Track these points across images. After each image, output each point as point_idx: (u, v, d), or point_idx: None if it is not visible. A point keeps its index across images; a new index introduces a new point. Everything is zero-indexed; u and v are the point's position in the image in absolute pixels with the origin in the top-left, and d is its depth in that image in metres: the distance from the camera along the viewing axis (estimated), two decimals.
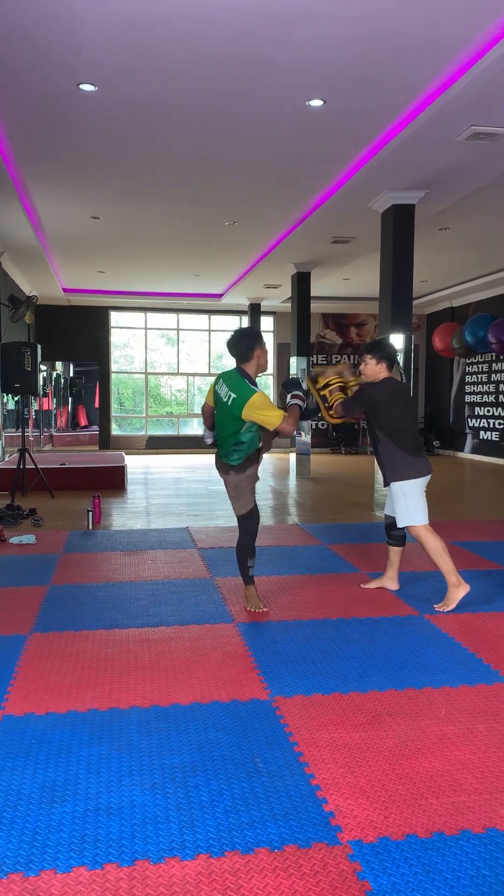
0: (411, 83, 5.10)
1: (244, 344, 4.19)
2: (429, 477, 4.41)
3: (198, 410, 17.31)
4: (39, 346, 9.46)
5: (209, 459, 14.44)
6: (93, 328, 16.14)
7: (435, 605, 4.33)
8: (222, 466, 4.32)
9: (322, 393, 4.59)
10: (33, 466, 9.06)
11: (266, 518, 7.61)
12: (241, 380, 4.13)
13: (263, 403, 4.01)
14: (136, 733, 2.72)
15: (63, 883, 1.89)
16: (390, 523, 4.65)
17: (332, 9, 4.15)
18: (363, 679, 3.24)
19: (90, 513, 6.96)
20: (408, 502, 4.35)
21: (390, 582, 4.74)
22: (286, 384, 4.37)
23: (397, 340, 7.68)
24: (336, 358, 16.90)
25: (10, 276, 11.71)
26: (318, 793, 2.32)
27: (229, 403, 4.10)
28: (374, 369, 4.49)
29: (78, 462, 10.70)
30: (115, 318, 16.49)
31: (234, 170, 7.03)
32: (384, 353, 4.49)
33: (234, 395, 4.08)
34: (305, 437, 11.82)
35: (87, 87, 5.16)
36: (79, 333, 16.02)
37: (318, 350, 16.67)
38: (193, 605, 4.38)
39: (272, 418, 3.99)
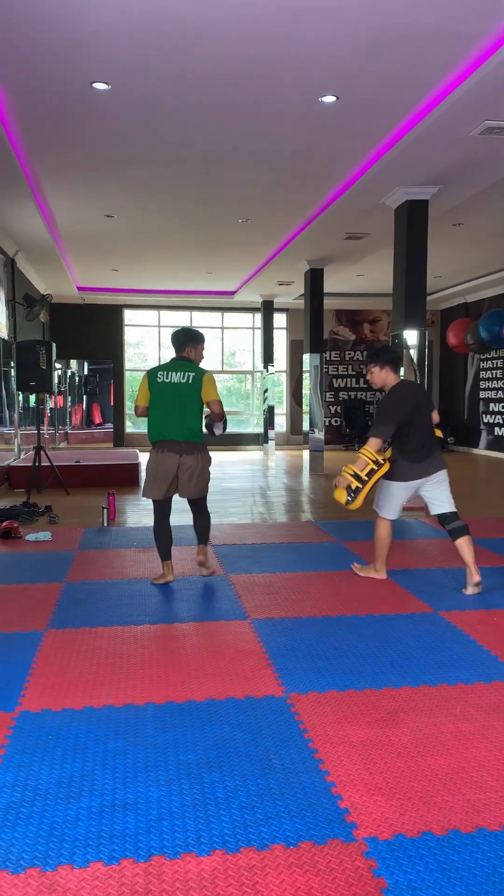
0: (424, 78, 5.08)
1: (179, 339, 4.84)
2: (419, 481, 4.56)
3: None
4: (54, 345, 9.51)
5: (223, 457, 14.49)
6: (107, 326, 16.19)
7: (353, 565, 5.03)
8: (188, 447, 4.66)
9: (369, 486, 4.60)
10: (49, 464, 9.11)
11: (280, 515, 7.61)
12: (189, 363, 4.74)
13: (213, 380, 4.71)
14: (152, 729, 2.73)
15: (80, 878, 1.91)
16: (443, 520, 4.60)
17: (344, 3, 4.13)
18: (378, 676, 3.24)
19: (105, 510, 6.99)
20: (386, 496, 4.68)
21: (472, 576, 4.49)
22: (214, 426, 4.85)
23: (411, 336, 7.66)
24: (349, 354, 16.86)
25: (25, 274, 11.77)
26: (333, 789, 2.32)
27: (189, 382, 4.65)
28: (380, 376, 4.64)
29: (93, 459, 10.75)
30: (129, 316, 16.54)
31: (247, 167, 7.03)
32: (385, 356, 4.63)
33: (191, 374, 4.66)
34: (319, 434, 11.81)
35: (100, 86, 5.18)
36: (93, 332, 16.08)
37: (331, 347, 16.64)
38: (208, 602, 4.39)
39: (216, 395, 4.68)
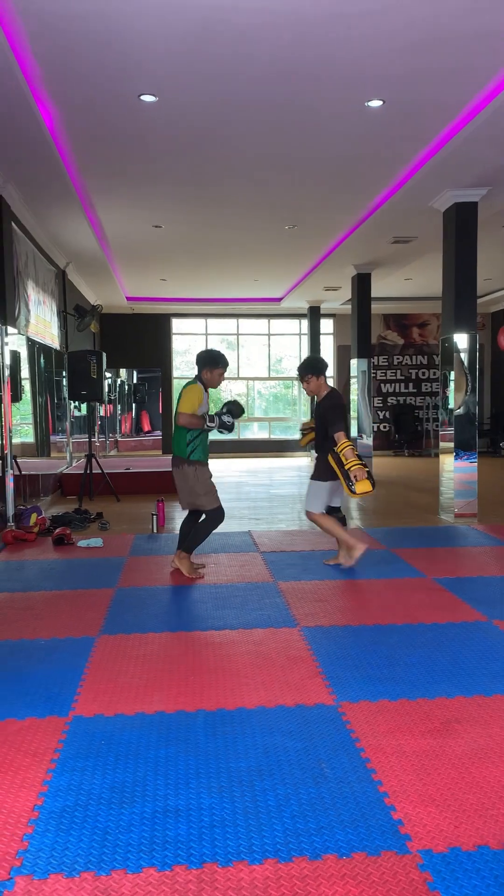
0: (472, 79, 5.01)
1: (198, 361, 5.25)
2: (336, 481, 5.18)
3: (258, 414, 17.37)
4: (104, 354, 9.65)
5: (270, 463, 14.51)
6: (155, 335, 16.38)
7: (330, 561, 5.47)
8: (176, 461, 5.15)
9: (347, 468, 5.01)
10: (100, 471, 9.24)
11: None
12: (194, 383, 5.15)
13: (189, 390, 5.10)
14: (203, 736, 2.74)
15: (133, 883, 1.92)
16: (332, 511, 5.43)
17: (390, 8, 4.11)
18: (430, 685, 3.19)
19: (154, 516, 7.06)
20: (315, 494, 5.26)
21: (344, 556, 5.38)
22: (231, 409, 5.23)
23: (461, 340, 7.55)
24: (398, 359, 16.70)
25: (76, 286, 11.99)
26: (386, 800, 2.29)
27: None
28: (317, 384, 5.34)
29: (142, 467, 10.86)
30: (177, 324, 16.69)
31: (293, 174, 7.04)
32: (322, 367, 5.40)
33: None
34: (367, 440, 11.72)
35: (147, 98, 5.25)
36: (142, 341, 16.28)
37: (379, 351, 16.52)
38: (257, 609, 4.39)
39: (182, 406, 5.02)
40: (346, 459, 4.94)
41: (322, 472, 5.21)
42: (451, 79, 5.01)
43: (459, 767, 2.49)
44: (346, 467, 4.93)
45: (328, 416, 5.11)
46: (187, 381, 5.15)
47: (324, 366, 5.44)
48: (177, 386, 16.69)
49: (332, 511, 5.43)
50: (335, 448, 5.01)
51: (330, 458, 5.08)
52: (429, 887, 1.88)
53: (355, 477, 4.91)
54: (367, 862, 1.99)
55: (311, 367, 5.38)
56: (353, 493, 4.92)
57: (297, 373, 5.44)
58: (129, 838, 2.11)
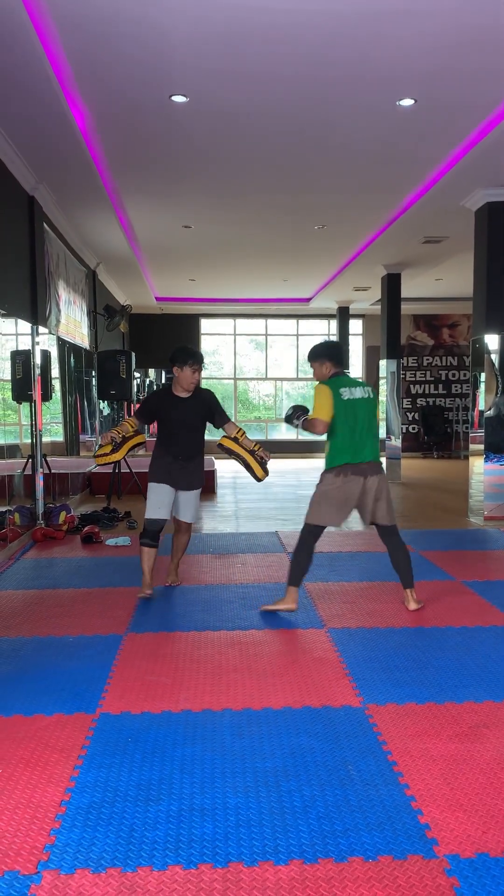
0: None
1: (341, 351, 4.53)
2: None
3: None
4: (133, 354, 9.71)
5: (297, 464, 14.47)
6: (184, 335, 16.43)
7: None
8: (374, 468, 4.23)
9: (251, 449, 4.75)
10: (128, 470, 9.30)
11: (356, 523, 7.53)
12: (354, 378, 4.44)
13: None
14: (229, 736, 2.74)
15: (159, 880, 1.93)
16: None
17: (422, 6, 4.08)
18: (459, 689, 3.16)
19: None
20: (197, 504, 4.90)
21: None
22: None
23: (492, 341, 7.47)
24: (427, 360, 16.57)
25: (106, 286, 12.08)
26: (412, 804, 2.27)
27: (370, 397, 4.30)
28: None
29: None
30: (206, 325, 16.74)
31: (324, 173, 7.02)
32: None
33: (369, 388, 4.35)
34: (396, 442, 11.64)
35: (178, 99, 5.27)
36: (170, 341, 16.30)
37: (408, 352, 16.40)
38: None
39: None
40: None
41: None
42: (483, 77, 4.95)
43: (488, 773, 2.46)
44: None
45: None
46: (361, 381, 4.42)
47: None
48: (205, 386, 16.72)
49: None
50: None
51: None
52: (456, 893, 1.86)
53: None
54: (393, 865, 1.97)
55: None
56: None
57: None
58: (156, 836, 2.12)
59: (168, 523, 4.73)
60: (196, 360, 4.67)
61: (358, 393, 4.23)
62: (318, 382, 4.29)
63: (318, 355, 4.35)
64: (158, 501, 4.62)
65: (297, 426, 4.39)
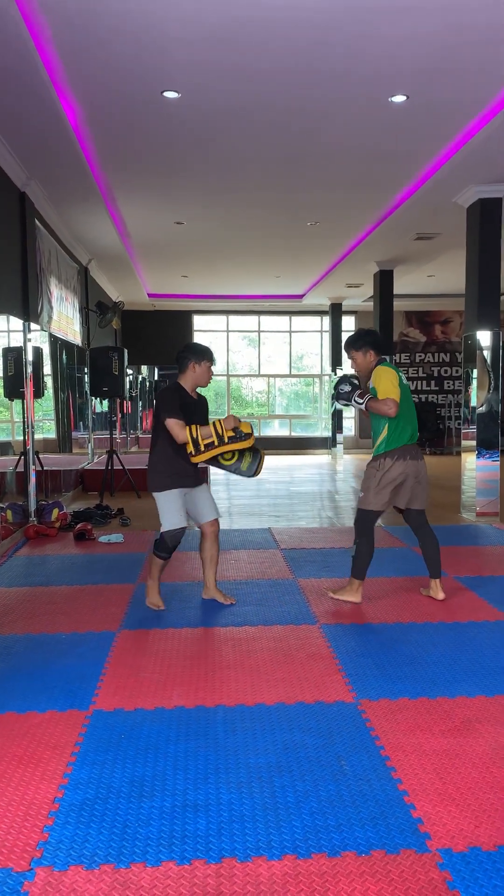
0: (497, 74, 4.96)
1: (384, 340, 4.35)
2: None
3: (279, 411, 17.33)
4: (126, 351, 9.69)
5: (290, 461, 14.48)
6: (176, 332, 16.41)
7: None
8: (419, 452, 4.42)
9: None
10: (121, 467, 9.29)
11: (349, 519, 7.55)
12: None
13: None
14: (222, 732, 2.74)
15: (152, 876, 1.93)
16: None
17: (414, 3, 4.08)
18: (451, 684, 3.17)
19: None
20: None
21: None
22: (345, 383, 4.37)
23: (484, 337, 7.48)
24: (420, 356, 16.60)
25: (98, 282, 12.04)
26: (405, 798, 2.28)
27: (407, 383, 4.32)
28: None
29: None
30: (198, 321, 16.73)
31: (316, 170, 7.01)
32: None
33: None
34: None
35: (170, 95, 5.25)
36: (163, 337, 16.32)
37: (400, 349, 16.43)
38: (277, 606, 4.38)
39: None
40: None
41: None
42: (475, 74, 4.96)
43: (480, 767, 2.47)
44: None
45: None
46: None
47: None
48: None
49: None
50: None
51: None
52: (448, 886, 1.87)
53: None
54: (386, 860, 1.98)
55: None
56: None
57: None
58: (149, 832, 2.12)
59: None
60: (213, 357, 4.35)
61: (403, 379, 4.30)
62: (378, 365, 4.25)
63: (361, 344, 4.34)
64: (178, 508, 4.16)
65: (359, 405, 4.24)
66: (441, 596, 4.42)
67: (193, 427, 4.05)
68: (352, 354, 4.38)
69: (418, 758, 2.53)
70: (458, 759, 2.52)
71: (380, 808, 2.22)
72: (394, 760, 2.51)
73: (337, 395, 4.39)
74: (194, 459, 4.10)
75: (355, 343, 4.36)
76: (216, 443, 4.05)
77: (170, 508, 4.17)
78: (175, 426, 4.02)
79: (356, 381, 4.36)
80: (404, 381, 4.28)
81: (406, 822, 2.15)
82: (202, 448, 4.05)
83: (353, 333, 4.43)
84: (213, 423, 4.11)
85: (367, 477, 4.34)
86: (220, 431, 4.06)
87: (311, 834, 2.10)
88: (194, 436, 4.03)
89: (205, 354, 4.22)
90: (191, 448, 4.05)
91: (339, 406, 4.29)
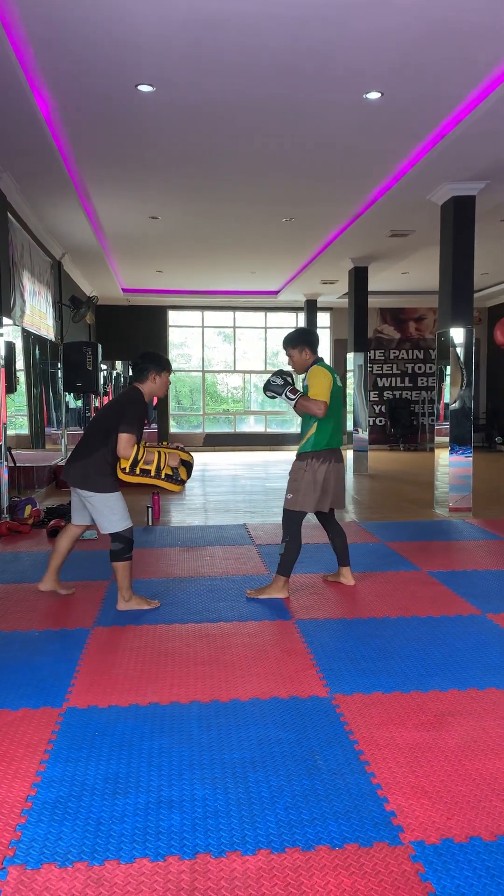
0: (471, 73, 5.00)
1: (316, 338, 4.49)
2: None
3: (255, 408, 17.33)
4: (100, 346, 9.62)
5: (266, 456, 14.51)
6: (151, 327, 16.33)
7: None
8: (341, 453, 4.53)
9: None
10: None
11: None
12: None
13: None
14: (197, 728, 2.74)
15: (126, 873, 1.92)
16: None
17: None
18: (424, 678, 3.20)
19: (149, 509, 7.05)
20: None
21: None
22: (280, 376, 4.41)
23: (458, 334, 7.54)
24: (394, 353, 16.70)
25: (72, 277, 11.94)
26: (378, 792, 2.29)
27: (341, 385, 4.49)
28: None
29: None
30: (173, 317, 16.66)
31: (291, 166, 7.01)
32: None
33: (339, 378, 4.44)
34: (363, 434, 11.72)
35: (145, 89, 5.22)
36: (138, 333, 16.22)
37: (375, 346, 16.50)
38: (252, 602, 4.39)
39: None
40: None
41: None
42: (450, 72, 4.99)
43: (452, 760, 2.49)
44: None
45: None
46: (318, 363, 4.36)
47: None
48: (173, 379, 16.61)
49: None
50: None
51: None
52: (421, 878, 1.89)
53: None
54: (359, 853, 1.99)
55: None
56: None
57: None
58: (123, 829, 2.11)
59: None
60: (171, 368, 4.42)
61: (338, 380, 4.37)
62: (314, 365, 4.33)
63: (298, 342, 4.40)
64: (126, 507, 4.20)
65: (290, 401, 4.29)
66: (351, 582, 4.68)
67: (141, 447, 4.01)
68: (289, 352, 4.45)
69: (392, 751, 2.55)
70: (430, 753, 2.54)
71: (353, 802, 2.24)
72: (367, 754, 2.53)
73: (267, 386, 4.42)
74: (121, 476, 4.08)
75: (293, 341, 4.43)
76: (152, 473, 4.07)
77: (121, 507, 4.14)
78: (127, 442, 3.96)
79: (290, 378, 4.43)
80: (338, 383, 4.37)
81: (379, 815, 2.17)
82: (137, 471, 4.04)
83: (290, 332, 4.51)
84: (159, 452, 4.10)
85: (295, 478, 4.42)
86: (160, 464, 4.08)
87: (285, 828, 2.11)
88: (138, 458, 4.00)
89: (166, 366, 4.28)
90: (125, 465, 4.02)
91: (267, 397, 4.31)
